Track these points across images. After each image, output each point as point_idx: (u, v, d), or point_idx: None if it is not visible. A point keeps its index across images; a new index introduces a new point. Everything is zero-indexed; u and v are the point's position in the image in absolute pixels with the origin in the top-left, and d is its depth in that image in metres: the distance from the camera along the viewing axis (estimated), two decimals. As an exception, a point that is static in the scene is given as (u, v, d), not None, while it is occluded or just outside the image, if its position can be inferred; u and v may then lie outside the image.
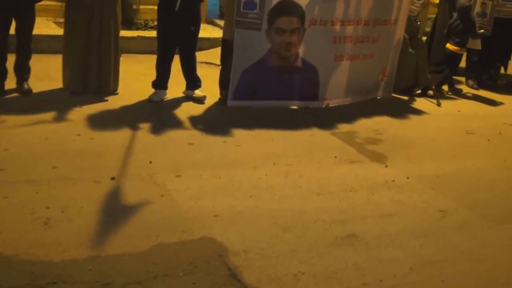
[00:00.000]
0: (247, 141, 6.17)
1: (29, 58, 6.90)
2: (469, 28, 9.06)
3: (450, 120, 7.94)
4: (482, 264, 4.19)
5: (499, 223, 4.87)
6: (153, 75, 7.29)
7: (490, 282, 3.96)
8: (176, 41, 7.23)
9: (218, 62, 7.78)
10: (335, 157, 6.00)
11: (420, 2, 8.64)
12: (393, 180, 5.52)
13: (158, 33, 7.36)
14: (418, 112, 8.14)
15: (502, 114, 8.45)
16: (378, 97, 8.57)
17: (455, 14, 9.40)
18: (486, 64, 10.03)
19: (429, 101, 8.64)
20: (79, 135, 5.81)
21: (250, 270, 3.76)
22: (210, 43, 9.99)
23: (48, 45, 8.59)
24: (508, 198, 5.42)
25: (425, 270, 4.01)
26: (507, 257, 4.34)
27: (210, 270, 3.72)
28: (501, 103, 9.13)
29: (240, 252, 3.96)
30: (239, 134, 6.34)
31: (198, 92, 7.43)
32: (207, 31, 10.63)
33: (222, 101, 7.40)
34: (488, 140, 7.15)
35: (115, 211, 4.38)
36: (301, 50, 7.38)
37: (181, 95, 7.45)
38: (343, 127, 7.02)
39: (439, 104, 8.56)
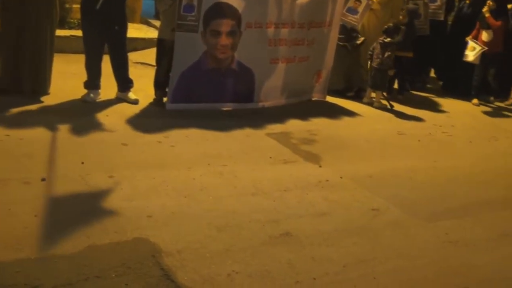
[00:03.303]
0: (181, 141, 6.13)
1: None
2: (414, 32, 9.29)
3: (382, 121, 8.10)
4: (413, 262, 4.28)
5: (429, 221, 4.98)
6: (86, 75, 7.17)
7: (420, 279, 4.04)
8: (101, 40, 7.12)
9: (153, 63, 7.70)
10: (270, 157, 6.02)
11: (357, 16, 8.71)
12: (327, 180, 5.57)
13: (82, 33, 7.25)
14: (351, 113, 8.27)
15: (432, 116, 8.67)
16: (313, 99, 8.66)
17: None
18: (417, 68, 10.26)
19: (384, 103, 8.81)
20: (8, 135, 5.65)
21: (184, 271, 3.73)
22: (145, 43, 9.90)
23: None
24: (437, 197, 5.55)
25: (358, 268, 4.06)
26: (437, 254, 4.44)
27: (143, 271, 3.67)
28: (431, 105, 9.36)
29: (173, 252, 3.92)
30: (174, 134, 6.29)
31: (131, 95, 7.30)
32: (142, 31, 10.55)
33: (157, 102, 7.34)
34: (419, 140, 7.32)
35: (45, 212, 4.27)
36: (237, 53, 7.39)
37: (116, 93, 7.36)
38: (278, 128, 7.06)
39: (391, 106, 8.76)
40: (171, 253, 3.91)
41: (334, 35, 8.46)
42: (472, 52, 9.43)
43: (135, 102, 7.20)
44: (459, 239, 4.70)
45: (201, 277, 3.69)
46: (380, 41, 8.66)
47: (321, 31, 8.23)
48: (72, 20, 10.25)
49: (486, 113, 9.40)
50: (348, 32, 8.92)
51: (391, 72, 8.99)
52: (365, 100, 8.87)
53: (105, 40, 7.14)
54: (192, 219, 4.44)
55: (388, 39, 8.63)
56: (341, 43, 8.81)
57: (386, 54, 8.62)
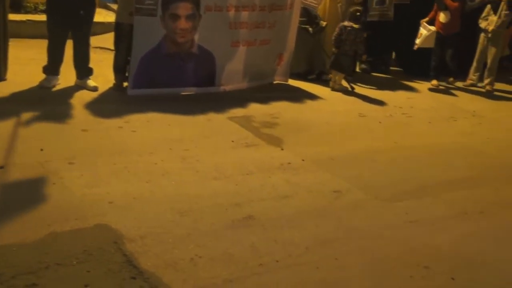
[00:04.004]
0: (143, 126, 6.08)
1: None
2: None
3: (343, 103, 8.15)
4: (374, 242, 4.32)
5: (390, 201, 5.04)
6: (44, 60, 7.04)
7: (381, 259, 4.08)
8: (66, 25, 6.98)
9: (112, 47, 7.60)
10: (232, 141, 6.02)
11: None
12: (289, 163, 5.59)
13: (47, 16, 7.10)
14: (313, 96, 8.30)
15: (392, 98, 8.74)
16: (274, 82, 8.66)
17: None
18: (380, 50, 10.35)
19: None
20: (-36, 123, 5.55)
21: (147, 256, 3.72)
22: (104, 27, 9.77)
23: None
24: (398, 178, 5.62)
25: (320, 250, 4.09)
26: (397, 234, 4.49)
27: (105, 257, 3.64)
28: (392, 87, 9.45)
29: (136, 238, 3.90)
30: (135, 119, 6.23)
31: (90, 82, 7.18)
32: (101, 16, 10.39)
33: (117, 87, 7.27)
34: (380, 122, 7.39)
35: (4, 200, 4.21)
36: (197, 36, 7.33)
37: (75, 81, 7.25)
38: (240, 112, 7.05)
39: (352, 89, 8.84)
40: (133, 239, 3.88)
41: (295, 18, 8.46)
42: (418, 40, 9.60)
43: (94, 89, 7.09)
44: (419, 218, 4.77)
45: (164, 262, 3.68)
46: (349, 27, 8.65)
47: (282, 14, 8.22)
48: (28, 4, 10.07)
49: (445, 94, 9.53)
50: (309, 15, 8.94)
51: (364, 57, 9.10)
52: (336, 87, 8.81)
53: (71, 25, 6.98)
54: (154, 205, 4.42)
55: (357, 25, 8.65)
56: (302, 26, 8.82)
57: (358, 40, 8.69)
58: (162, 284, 3.45)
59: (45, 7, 7.52)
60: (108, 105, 6.64)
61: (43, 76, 6.99)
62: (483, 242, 4.50)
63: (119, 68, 7.27)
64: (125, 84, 7.20)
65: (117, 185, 4.65)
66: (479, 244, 4.47)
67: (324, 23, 8.97)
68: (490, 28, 9.65)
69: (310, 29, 8.95)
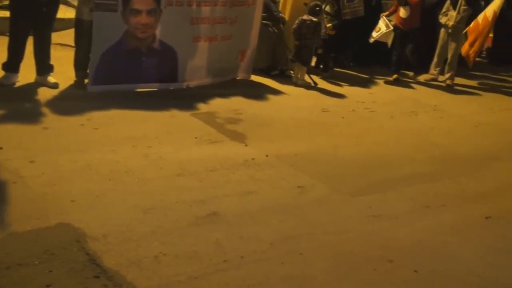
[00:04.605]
0: (105, 124, 6.01)
1: None
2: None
3: (306, 99, 8.17)
4: (338, 236, 4.35)
5: (354, 196, 5.07)
6: (3, 57, 6.91)
7: (345, 253, 4.11)
8: (29, 21, 6.86)
9: (73, 44, 7.49)
10: (196, 137, 5.99)
11: None
12: (253, 159, 5.59)
13: (10, 13, 6.97)
14: (276, 92, 8.31)
15: (355, 93, 8.80)
16: (237, 78, 8.65)
17: None
18: (343, 46, 10.40)
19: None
20: None
21: (110, 254, 3.68)
22: (64, 24, 9.60)
23: None
24: (361, 172, 5.66)
25: (284, 245, 4.10)
26: (361, 228, 4.52)
27: (67, 256, 3.60)
28: (355, 82, 9.51)
29: (99, 236, 3.86)
30: (97, 116, 6.16)
31: (50, 79, 7.08)
32: (61, 11, 10.15)
33: (78, 84, 7.17)
34: (343, 117, 7.43)
35: (-38, 200, 4.13)
36: (158, 32, 7.27)
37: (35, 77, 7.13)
38: (203, 108, 7.03)
39: (315, 84, 8.85)
40: (96, 238, 3.84)
41: (258, 15, 8.45)
42: (376, 33, 9.71)
43: (55, 86, 6.99)
44: (382, 212, 4.81)
45: (127, 260, 3.65)
46: (308, 21, 8.68)
47: (244, 10, 8.21)
48: (-15, 1, 9.87)
49: (406, 88, 9.63)
50: (269, 11, 8.94)
51: (320, 51, 9.16)
52: (299, 82, 8.84)
53: (33, 22, 6.86)
54: (118, 202, 4.38)
55: (316, 19, 8.70)
56: (263, 22, 8.82)
57: (317, 33, 8.74)
58: (126, 283, 3.42)
59: (4, 3, 7.38)
60: (69, 102, 6.55)
61: (2, 73, 6.86)
62: (445, 235, 4.56)
63: (80, 65, 7.18)
64: (86, 81, 7.11)
65: (79, 183, 4.59)
66: (442, 237, 4.52)
67: (283, 17, 9.05)
68: (450, 23, 9.78)
69: (273, 29, 8.99)
